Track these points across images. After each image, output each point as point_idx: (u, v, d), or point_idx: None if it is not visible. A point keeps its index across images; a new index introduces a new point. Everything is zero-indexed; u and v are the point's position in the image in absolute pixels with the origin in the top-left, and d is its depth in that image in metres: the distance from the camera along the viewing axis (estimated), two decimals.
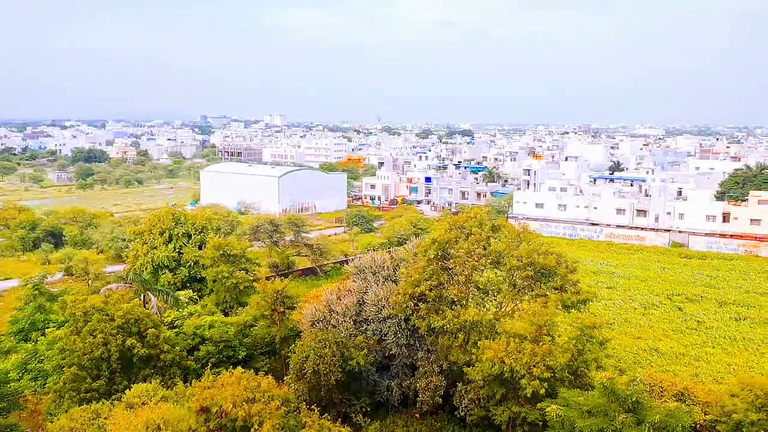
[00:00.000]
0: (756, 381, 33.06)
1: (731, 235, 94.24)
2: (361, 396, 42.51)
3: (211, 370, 34.66)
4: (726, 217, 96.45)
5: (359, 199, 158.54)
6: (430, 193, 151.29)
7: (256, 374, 33.24)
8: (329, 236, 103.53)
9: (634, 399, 31.20)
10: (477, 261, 41.50)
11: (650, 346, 52.97)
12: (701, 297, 66.78)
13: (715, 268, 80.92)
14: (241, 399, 29.28)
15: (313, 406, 34.13)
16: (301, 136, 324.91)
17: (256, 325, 50.19)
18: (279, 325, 48.48)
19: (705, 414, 33.58)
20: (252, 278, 62.24)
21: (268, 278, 58.44)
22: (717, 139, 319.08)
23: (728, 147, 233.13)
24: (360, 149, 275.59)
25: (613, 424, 30.58)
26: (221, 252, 61.61)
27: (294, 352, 42.05)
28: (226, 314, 56.81)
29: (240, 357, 46.60)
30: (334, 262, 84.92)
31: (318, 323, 45.66)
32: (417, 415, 42.66)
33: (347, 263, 63.39)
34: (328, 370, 39.76)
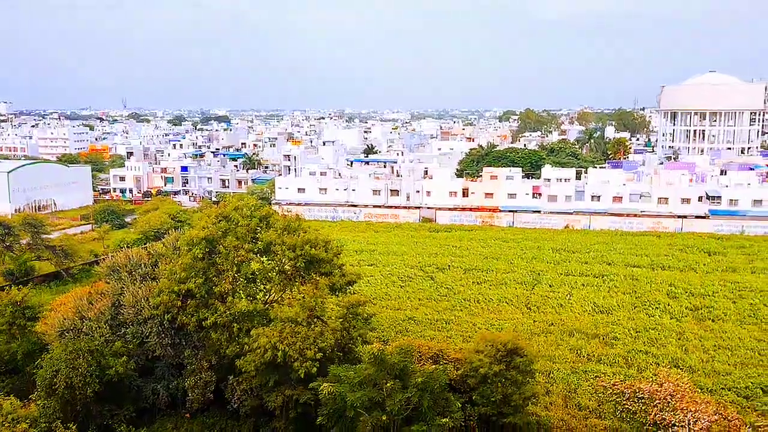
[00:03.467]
0: (496, 336, 37.32)
1: (470, 209, 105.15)
2: (125, 404, 39.55)
3: None
4: (465, 192, 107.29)
5: (108, 192, 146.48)
6: (187, 183, 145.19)
7: None
8: (75, 236, 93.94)
9: (400, 366, 33.36)
10: (246, 253, 40.94)
11: (408, 316, 57.10)
12: (449, 266, 73.59)
13: (459, 239, 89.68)
14: None
15: (69, 424, 30.94)
16: (33, 126, 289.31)
17: None
18: (20, 339, 42.94)
19: (457, 370, 37.07)
20: None
21: (2, 288, 51.26)
22: (454, 122, 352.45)
23: (464, 129, 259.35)
24: (105, 138, 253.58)
25: (382, 392, 32.42)
26: None
27: (41, 367, 37.63)
28: None
29: None
30: (83, 264, 77.45)
31: (68, 332, 41.30)
32: (188, 415, 40.93)
33: (98, 264, 58.12)
34: (83, 382, 36.30)
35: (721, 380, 43.64)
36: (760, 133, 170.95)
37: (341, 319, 37.72)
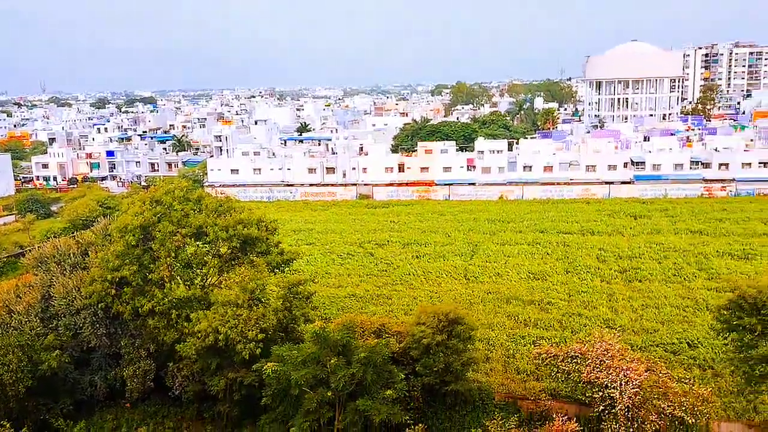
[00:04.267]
0: (436, 308, 38.00)
1: (407, 183, 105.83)
2: (61, 398, 38.39)
3: None
4: (401, 168, 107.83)
5: (30, 181, 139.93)
6: (114, 168, 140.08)
7: None
8: None
9: (343, 343, 33.58)
10: (182, 238, 40.11)
11: (349, 293, 57.34)
12: (388, 241, 74.09)
13: (396, 214, 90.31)
14: None
15: (3, 421, 29.85)
16: None
17: None
18: None
19: (399, 343, 37.62)
20: None
21: None
22: (387, 98, 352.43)
23: (397, 104, 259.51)
24: (24, 125, 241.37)
25: (326, 369, 32.62)
26: None
27: None
28: None
29: None
30: (7, 257, 74.12)
31: None
32: (128, 405, 40.13)
33: (25, 255, 55.70)
34: (14, 378, 35.06)
35: (650, 337, 45.84)
36: (679, 99, 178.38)
37: (282, 300, 37.57)
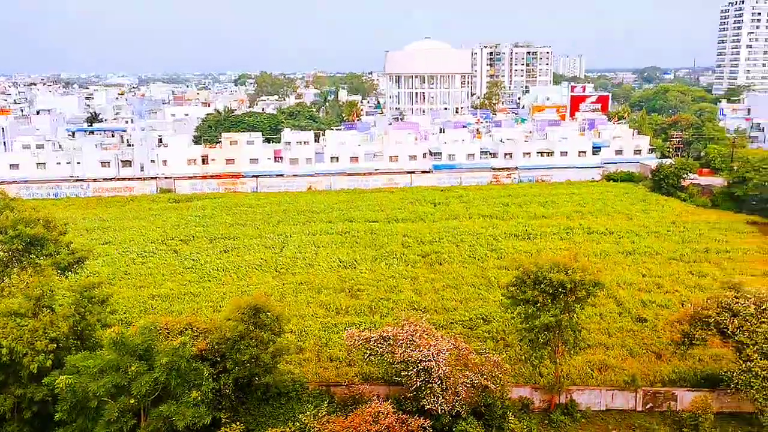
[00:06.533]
0: (242, 300, 37.19)
1: (212, 176, 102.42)
2: None
3: None
4: (205, 159, 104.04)
5: None
6: None
7: None
8: None
9: (144, 347, 31.63)
10: None
11: (153, 293, 54.24)
12: (193, 237, 71.19)
13: (201, 207, 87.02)
14: None
15: None
16: None
17: None
18: None
19: (206, 340, 36.20)
20: None
21: None
22: (187, 87, 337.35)
23: (198, 93, 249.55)
24: None
25: (127, 376, 30.53)
26: None
27: None
28: None
29: None
30: None
31: None
32: None
33: None
34: None
35: (450, 316, 49.19)
36: (469, 94, 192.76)
37: (75, 305, 34.44)
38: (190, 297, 53.56)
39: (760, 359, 35.19)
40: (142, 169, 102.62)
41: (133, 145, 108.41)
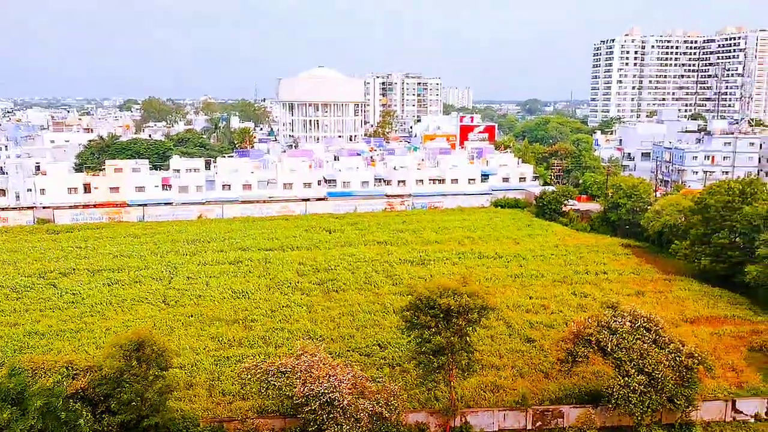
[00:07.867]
0: (123, 336, 35.32)
1: (95, 205, 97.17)
2: None
3: None
4: (88, 188, 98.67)
5: None
6: None
7: None
8: None
9: (17, 391, 29.31)
10: None
11: (28, 330, 50.49)
12: (74, 269, 67.03)
13: (83, 239, 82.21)
14: None
15: None
16: None
17: None
18: None
19: (85, 378, 33.96)
20: None
21: None
22: (68, 112, 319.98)
23: (80, 119, 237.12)
24: None
25: None
26: None
27: None
28: None
29: None
30: None
31: None
32: None
33: None
34: None
35: (347, 343, 49.01)
36: (363, 122, 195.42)
37: None
38: (71, 333, 50.21)
39: (637, 374, 37.60)
40: (17, 198, 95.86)
41: (7, 174, 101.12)
